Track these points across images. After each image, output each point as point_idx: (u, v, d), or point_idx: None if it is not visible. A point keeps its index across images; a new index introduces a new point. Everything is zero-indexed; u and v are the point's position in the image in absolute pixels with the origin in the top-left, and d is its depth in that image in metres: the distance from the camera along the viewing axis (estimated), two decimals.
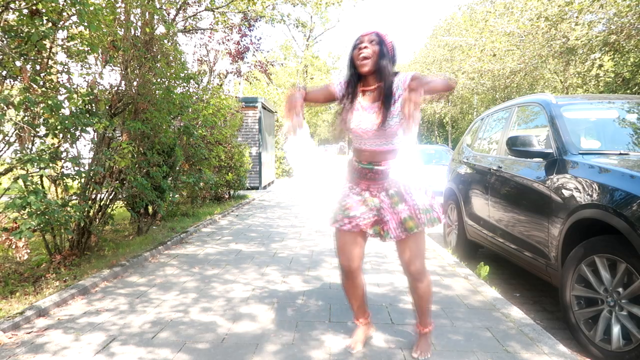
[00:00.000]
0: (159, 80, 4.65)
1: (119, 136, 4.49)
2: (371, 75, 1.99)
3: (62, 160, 3.54)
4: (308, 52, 31.37)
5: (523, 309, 3.13)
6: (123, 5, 4.26)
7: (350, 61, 2.01)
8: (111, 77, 4.56)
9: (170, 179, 5.36)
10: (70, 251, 3.80)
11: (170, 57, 4.94)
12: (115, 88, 4.26)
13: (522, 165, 3.41)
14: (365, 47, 1.93)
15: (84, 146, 3.94)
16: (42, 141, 3.36)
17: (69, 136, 3.45)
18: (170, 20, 6.57)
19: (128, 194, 4.48)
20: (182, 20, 8.05)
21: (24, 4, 3.14)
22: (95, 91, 3.84)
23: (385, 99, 1.93)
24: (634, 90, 10.84)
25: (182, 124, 5.40)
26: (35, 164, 2.99)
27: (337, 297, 3.07)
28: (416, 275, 2.10)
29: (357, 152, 2.10)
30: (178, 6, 7.20)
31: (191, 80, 5.24)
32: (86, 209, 3.75)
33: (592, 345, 2.35)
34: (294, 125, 1.88)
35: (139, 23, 4.58)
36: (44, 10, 3.16)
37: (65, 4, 3.30)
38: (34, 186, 2.94)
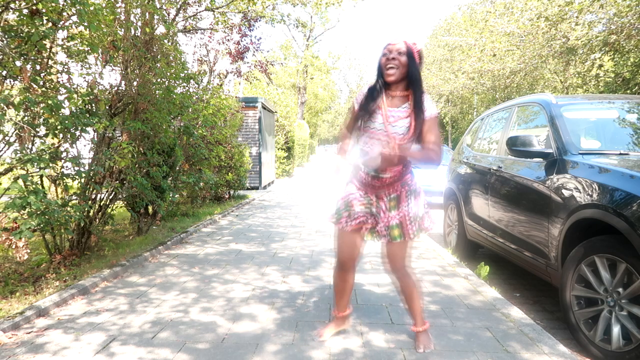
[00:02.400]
0: (159, 80, 4.65)
1: (119, 136, 4.48)
2: (396, 83, 2.10)
3: (62, 160, 3.54)
4: (308, 52, 31.37)
5: (523, 309, 3.13)
6: (123, 5, 4.26)
7: (379, 68, 2.12)
8: (111, 77, 4.56)
9: (170, 179, 5.36)
10: (70, 251, 3.80)
11: (170, 57, 4.93)
12: (115, 88, 4.26)
13: (522, 165, 3.41)
14: (393, 59, 2.04)
15: (84, 146, 3.94)
16: (42, 141, 3.36)
17: (69, 136, 3.45)
18: (170, 20, 6.57)
19: (128, 194, 4.47)
20: (182, 20, 8.05)
21: (24, 4, 3.13)
22: (95, 91, 3.84)
23: (416, 110, 2.06)
24: (634, 90, 10.84)
25: (182, 124, 5.40)
26: (35, 164, 2.99)
27: None
28: (400, 273, 2.24)
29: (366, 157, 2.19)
30: (178, 6, 7.19)
31: (191, 80, 5.24)
32: (86, 209, 3.75)
33: (592, 345, 2.35)
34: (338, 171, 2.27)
35: (139, 23, 4.58)
36: (44, 10, 3.16)
37: (65, 4, 3.30)
38: (34, 186, 2.94)
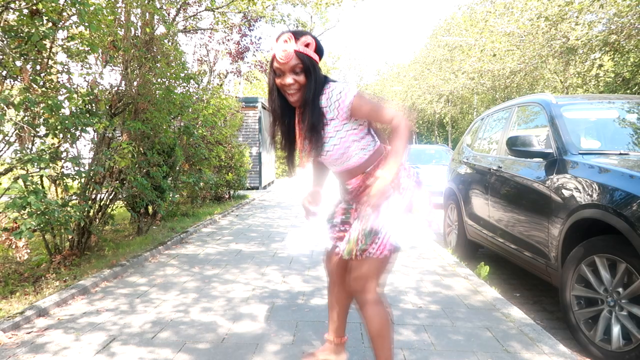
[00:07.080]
0: (159, 80, 4.65)
1: (119, 136, 4.49)
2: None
3: (62, 160, 3.54)
4: None
5: (523, 309, 3.13)
6: (123, 5, 4.26)
7: (275, 87, 1.65)
8: (111, 77, 4.59)
9: (170, 179, 5.36)
10: (70, 251, 3.80)
11: (171, 57, 4.94)
12: (115, 88, 4.26)
13: (522, 165, 3.41)
14: (291, 84, 1.58)
15: (84, 146, 3.94)
16: (42, 141, 3.36)
17: (69, 136, 3.45)
18: (170, 20, 6.56)
19: (128, 194, 4.48)
20: (183, 20, 8.05)
21: (24, 4, 3.13)
22: (96, 91, 3.84)
23: (311, 130, 1.62)
24: (634, 90, 10.84)
25: (182, 124, 5.40)
26: (35, 164, 2.99)
27: None
28: (356, 297, 1.74)
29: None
30: (178, 6, 7.19)
31: (191, 80, 5.25)
32: (86, 209, 3.75)
33: (592, 345, 2.35)
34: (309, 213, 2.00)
35: (139, 23, 4.58)
36: (44, 10, 3.16)
37: (65, 4, 3.30)
38: (34, 186, 2.94)
